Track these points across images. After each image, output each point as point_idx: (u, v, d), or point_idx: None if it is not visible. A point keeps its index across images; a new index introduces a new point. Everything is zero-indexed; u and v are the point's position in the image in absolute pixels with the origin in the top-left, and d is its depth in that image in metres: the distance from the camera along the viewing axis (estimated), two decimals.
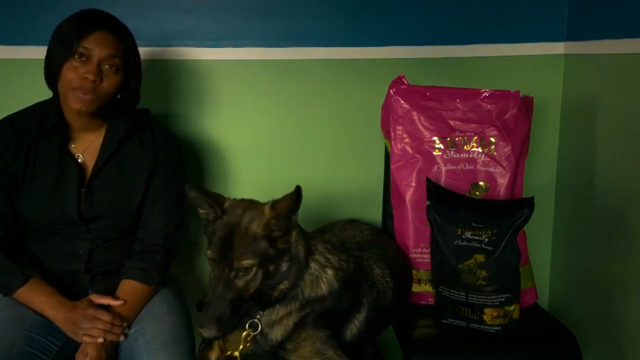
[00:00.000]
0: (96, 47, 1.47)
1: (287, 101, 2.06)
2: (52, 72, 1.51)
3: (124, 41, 1.53)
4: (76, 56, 1.47)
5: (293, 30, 2.00)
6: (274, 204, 1.34)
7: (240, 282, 1.30)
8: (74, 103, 1.49)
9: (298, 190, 1.31)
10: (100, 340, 1.44)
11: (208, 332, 1.28)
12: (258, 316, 1.39)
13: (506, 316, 1.65)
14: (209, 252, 1.33)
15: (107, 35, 1.49)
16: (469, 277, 1.64)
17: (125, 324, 1.50)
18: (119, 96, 1.58)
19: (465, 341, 1.65)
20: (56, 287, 1.53)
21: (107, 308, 1.50)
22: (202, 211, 1.38)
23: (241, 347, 1.39)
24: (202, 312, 1.32)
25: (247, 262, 1.29)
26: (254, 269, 1.30)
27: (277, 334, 1.40)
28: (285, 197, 1.33)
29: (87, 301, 1.51)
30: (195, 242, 2.12)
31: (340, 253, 1.49)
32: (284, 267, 1.34)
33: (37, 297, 1.50)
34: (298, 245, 1.37)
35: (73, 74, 1.47)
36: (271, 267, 1.32)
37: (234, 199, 1.41)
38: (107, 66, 1.49)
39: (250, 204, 1.38)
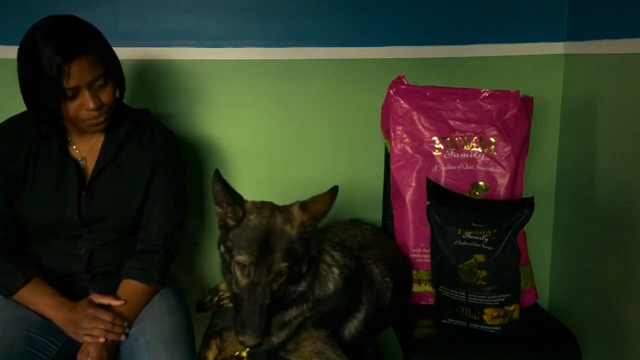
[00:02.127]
0: (80, 78, 1.40)
1: (287, 101, 2.06)
2: (47, 114, 1.46)
3: (98, 51, 1.45)
4: (68, 93, 1.41)
5: (293, 30, 2.00)
6: (304, 205, 1.31)
7: (275, 286, 1.27)
8: (91, 129, 1.51)
9: (335, 191, 1.31)
10: (102, 340, 1.44)
11: (252, 340, 1.24)
12: None
13: (506, 316, 1.65)
14: (241, 257, 1.26)
15: (84, 60, 1.39)
16: (469, 277, 1.64)
17: (126, 324, 1.50)
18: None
19: (465, 341, 1.65)
20: (56, 288, 1.53)
21: (107, 308, 1.50)
22: (219, 210, 1.33)
23: (248, 348, 1.39)
24: (237, 318, 1.27)
25: (284, 265, 1.26)
26: (287, 273, 1.28)
27: (284, 334, 1.39)
28: (320, 198, 1.31)
29: (88, 301, 1.51)
30: (195, 242, 2.12)
31: (344, 250, 1.49)
32: (304, 269, 1.33)
33: (37, 298, 1.50)
34: (314, 247, 1.37)
35: (73, 108, 1.43)
36: (295, 269, 1.30)
37: (252, 201, 1.36)
38: (97, 86, 1.45)
39: (274, 206, 1.35)
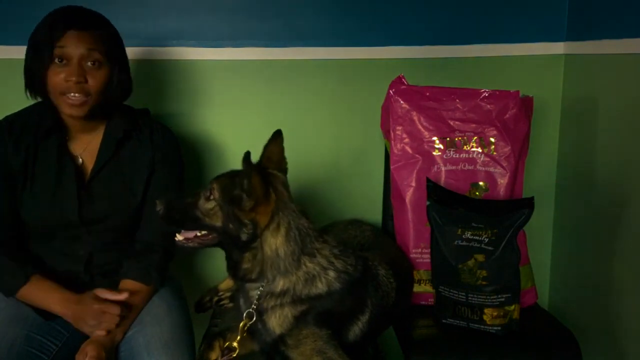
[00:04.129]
0: (72, 47, 1.45)
1: (287, 101, 2.06)
2: (36, 81, 1.50)
3: (100, 33, 1.50)
4: (56, 60, 1.45)
5: (293, 30, 2.01)
6: (255, 175, 1.33)
7: (201, 202, 1.37)
8: (66, 108, 1.49)
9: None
10: (112, 327, 1.47)
11: (159, 203, 1.39)
12: (254, 305, 1.40)
13: (506, 316, 1.65)
14: None
15: (80, 32, 1.46)
16: (469, 277, 1.64)
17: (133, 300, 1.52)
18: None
19: (465, 341, 1.65)
20: (57, 283, 1.53)
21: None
22: None
23: (239, 337, 1.40)
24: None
25: (214, 189, 1.36)
26: (214, 204, 1.35)
27: (273, 323, 1.40)
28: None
29: (93, 295, 1.50)
30: None
31: (348, 257, 1.47)
32: (244, 237, 1.35)
33: (41, 294, 1.50)
34: (273, 239, 1.37)
35: (56, 78, 1.46)
36: (231, 225, 1.34)
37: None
38: (89, 63, 1.47)
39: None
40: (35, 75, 1.49)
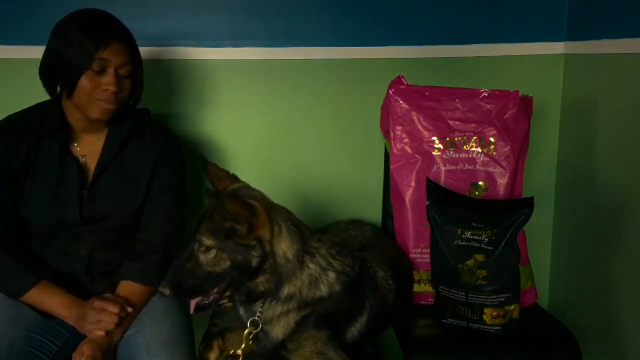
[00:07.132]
0: (113, 58, 1.46)
1: (287, 101, 2.06)
2: (65, 77, 1.48)
3: (132, 46, 1.54)
4: (93, 67, 1.45)
5: (293, 30, 2.01)
6: (229, 201, 1.31)
7: (202, 258, 1.33)
8: (96, 113, 1.50)
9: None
10: (110, 328, 1.46)
11: (163, 290, 1.34)
12: (259, 314, 1.39)
13: (506, 316, 1.65)
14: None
15: (122, 45, 1.48)
16: (469, 277, 1.64)
17: (130, 309, 1.51)
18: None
19: (465, 341, 1.65)
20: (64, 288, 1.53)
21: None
22: None
23: (244, 345, 1.39)
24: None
25: (205, 240, 1.31)
26: (215, 252, 1.32)
27: (277, 332, 1.40)
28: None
29: (97, 297, 1.51)
30: None
31: (345, 258, 1.47)
32: (255, 262, 1.33)
33: (48, 297, 1.51)
34: (279, 245, 1.36)
35: (92, 84, 1.46)
36: (239, 258, 1.32)
37: (242, 187, 1.43)
38: (122, 74, 1.50)
39: (242, 194, 1.38)
40: (67, 73, 1.47)
